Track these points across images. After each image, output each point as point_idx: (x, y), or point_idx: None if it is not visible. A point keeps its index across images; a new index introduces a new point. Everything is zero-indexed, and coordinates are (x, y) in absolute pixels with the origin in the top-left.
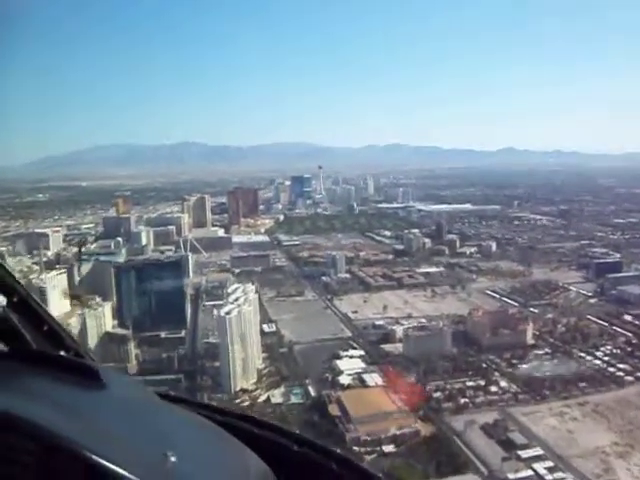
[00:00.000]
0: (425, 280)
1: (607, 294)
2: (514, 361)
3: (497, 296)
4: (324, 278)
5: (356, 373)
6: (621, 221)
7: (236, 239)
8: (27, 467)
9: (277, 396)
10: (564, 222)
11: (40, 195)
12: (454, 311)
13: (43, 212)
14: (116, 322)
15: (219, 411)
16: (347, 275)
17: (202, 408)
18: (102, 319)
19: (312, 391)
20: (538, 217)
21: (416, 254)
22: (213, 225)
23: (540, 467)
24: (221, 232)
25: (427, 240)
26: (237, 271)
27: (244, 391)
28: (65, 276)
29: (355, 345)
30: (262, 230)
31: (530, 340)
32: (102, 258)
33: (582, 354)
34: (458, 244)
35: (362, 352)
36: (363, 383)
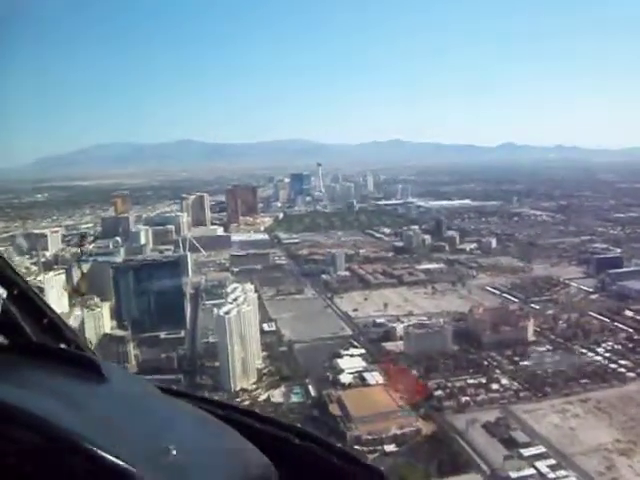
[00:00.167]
0: (425, 277)
1: (608, 290)
2: (515, 358)
3: (497, 292)
4: (324, 276)
5: (357, 372)
6: (621, 216)
7: (235, 237)
8: (25, 458)
9: (277, 396)
10: (564, 217)
11: (39, 195)
12: (455, 308)
13: (42, 212)
14: (115, 323)
15: (220, 405)
16: (347, 273)
17: (203, 402)
18: (101, 320)
19: (312, 390)
20: (538, 213)
21: (416, 251)
22: (212, 224)
23: (542, 465)
24: (220, 230)
25: (427, 237)
26: (236, 270)
27: (244, 390)
28: (63, 276)
29: (356, 344)
30: (261, 228)
31: (531, 337)
32: (100, 258)
33: (583, 350)
34: (458, 240)
35: (363, 351)
36: (364, 382)
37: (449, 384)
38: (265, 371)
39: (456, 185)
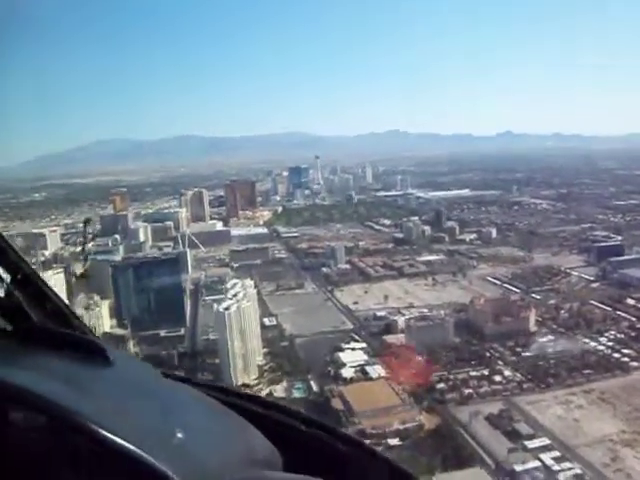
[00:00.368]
0: (426, 268)
1: (609, 278)
2: (517, 349)
3: (498, 283)
4: (324, 269)
5: (359, 365)
6: (622, 203)
7: (235, 232)
8: (31, 438)
9: (279, 391)
10: (564, 206)
11: (37, 195)
12: (455, 299)
13: (40, 212)
14: (114, 321)
15: (225, 391)
16: (347, 266)
17: (208, 388)
18: (100, 319)
19: (314, 385)
20: (538, 201)
21: (416, 242)
22: (211, 218)
23: (547, 457)
24: (219, 225)
25: (427, 228)
26: (236, 265)
27: (245, 386)
28: (62, 275)
29: (357, 337)
30: (261, 222)
31: (533, 327)
32: (99, 256)
33: (586, 340)
34: (458, 231)
35: (364, 344)
36: (366, 376)
37: (451, 376)
38: (266, 367)
39: (455, 175)
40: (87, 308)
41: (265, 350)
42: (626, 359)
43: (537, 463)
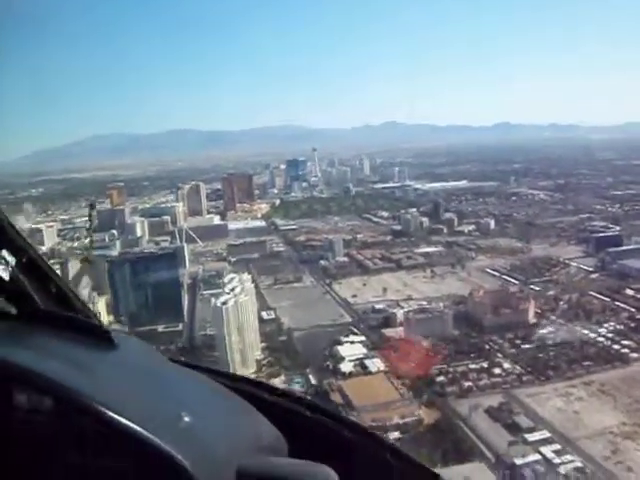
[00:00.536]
0: (424, 260)
1: (608, 268)
2: (517, 341)
3: (497, 274)
4: (322, 262)
5: (358, 359)
6: (620, 193)
7: (232, 226)
8: (36, 419)
9: (278, 385)
10: (562, 196)
11: (34, 190)
12: (454, 291)
13: (37, 207)
14: (111, 317)
15: (230, 377)
16: (345, 258)
17: (213, 373)
18: (97, 315)
19: (313, 379)
20: (536, 192)
21: (414, 234)
22: (209, 212)
23: (548, 450)
24: (217, 219)
25: (425, 219)
26: (234, 259)
27: None
28: (59, 271)
29: (355, 330)
30: (258, 215)
31: (532, 319)
32: (96, 252)
33: (585, 331)
34: (456, 222)
35: (363, 337)
36: (365, 369)
37: (451, 369)
38: (265, 361)
39: (453, 166)
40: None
41: (263, 344)
42: (626, 350)
43: (537, 456)
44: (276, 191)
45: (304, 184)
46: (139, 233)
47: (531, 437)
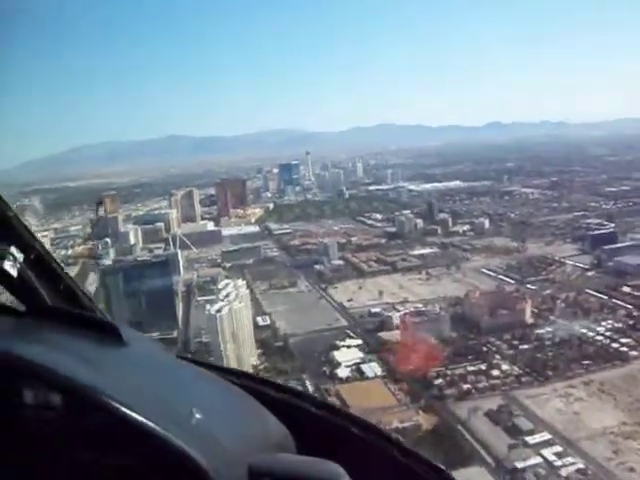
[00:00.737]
0: (419, 262)
1: (604, 266)
2: (514, 342)
3: (493, 274)
4: (317, 266)
5: (354, 364)
6: (613, 190)
7: (226, 232)
8: (46, 414)
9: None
10: (556, 194)
11: (26, 200)
12: (450, 293)
13: (30, 217)
14: None
15: (237, 374)
16: (340, 262)
17: (220, 370)
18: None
19: (310, 385)
20: (529, 190)
21: (408, 236)
22: (202, 218)
23: (548, 453)
24: (211, 225)
25: (419, 221)
26: (228, 265)
27: None
28: None
29: (352, 335)
30: (252, 220)
31: (529, 319)
32: (90, 261)
33: (583, 330)
34: (450, 223)
35: (359, 341)
36: (362, 374)
37: (449, 372)
38: (261, 367)
39: (445, 167)
40: None
41: (259, 350)
42: (625, 348)
43: (539, 459)
44: (269, 195)
45: (297, 188)
46: (133, 241)
47: (532, 440)
